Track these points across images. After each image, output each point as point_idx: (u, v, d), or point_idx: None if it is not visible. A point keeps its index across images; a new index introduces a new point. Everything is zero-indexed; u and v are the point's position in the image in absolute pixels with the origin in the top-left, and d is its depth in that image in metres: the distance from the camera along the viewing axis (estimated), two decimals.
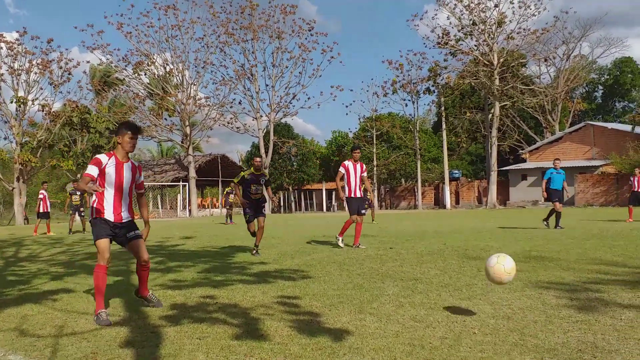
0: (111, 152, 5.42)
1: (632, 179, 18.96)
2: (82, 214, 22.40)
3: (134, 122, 5.57)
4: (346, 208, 11.86)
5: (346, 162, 11.27)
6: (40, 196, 21.75)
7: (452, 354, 3.80)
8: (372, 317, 4.90)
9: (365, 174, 11.24)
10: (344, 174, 11.14)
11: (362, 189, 11.19)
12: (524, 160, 48.27)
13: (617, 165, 40.16)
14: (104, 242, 5.23)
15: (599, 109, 66.50)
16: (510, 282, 5.09)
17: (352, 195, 11.08)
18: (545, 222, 15.54)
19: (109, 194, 5.30)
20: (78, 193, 21.57)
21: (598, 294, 5.69)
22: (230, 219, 26.47)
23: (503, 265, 4.94)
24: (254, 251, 10.36)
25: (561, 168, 15.71)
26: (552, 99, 51.31)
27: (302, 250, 10.99)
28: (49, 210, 21.78)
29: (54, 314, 5.44)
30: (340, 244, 11.17)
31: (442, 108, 50.35)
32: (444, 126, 50.27)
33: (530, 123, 54.37)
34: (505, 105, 47.78)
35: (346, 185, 11.16)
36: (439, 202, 52.06)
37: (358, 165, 11.18)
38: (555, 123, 52.36)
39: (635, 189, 18.77)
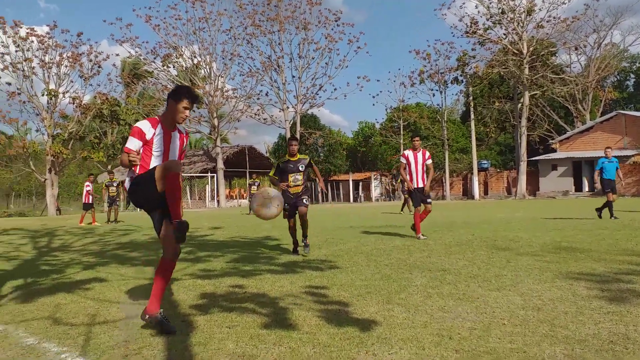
0: (155, 117, 4.66)
1: None
2: (118, 204, 23.02)
3: (194, 89, 4.78)
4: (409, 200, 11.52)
5: (406, 152, 10.88)
6: (87, 188, 22.48)
7: (481, 344, 3.78)
8: (400, 308, 4.90)
9: (429, 161, 10.82)
10: (405, 165, 10.78)
11: (425, 178, 10.79)
12: (554, 150, 47.53)
13: None
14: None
15: (631, 98, 65.02)
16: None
17: (416, 185, 10.73)
18: (599, 212, 15.21)
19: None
20: (115, 184, 22.12)
21: (630, 285, 5.59)
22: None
23: None
24: (296, 248, 9.05)
25: (612, 157, 15.22)
26: (583, 88, 50.36)
27: (329, 240, 11.02)
28: (92, 202, 22.40)
29: (86, 303, 5.55)
30: (422, 237, 10.57)
31: (470, 98, 49.80)
32: (472, 116, 49.74)
33: (560, 112, 53.48)
34: (535, 94, 47.09)
35: (407, 176, 10.80)
36: (467, 193, 51.63)
37: (419, 154, 10.75)
38: (586, 112, 51.40)
39: None
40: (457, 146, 57.17)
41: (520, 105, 45.66)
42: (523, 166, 44.53)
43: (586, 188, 43.40)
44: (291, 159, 8.71)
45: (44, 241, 13.65)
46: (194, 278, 6.89)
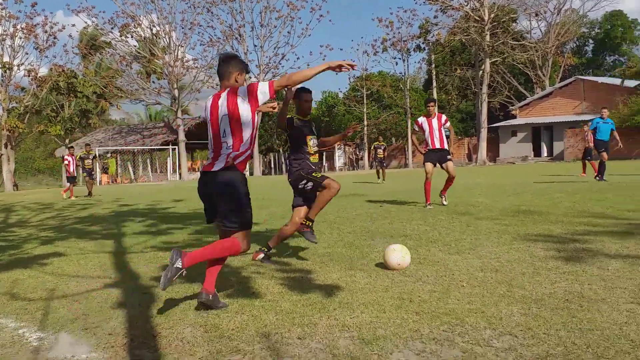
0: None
1: (586, 133, 17.98)
2: (93, 177, 22.79)
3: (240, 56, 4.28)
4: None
5: (419, 119, 10.48)
6: (65, 162, 22.27)
7: (441, 306, 3.84)
8: (362, 273, 4.94)
9: (448, 124, 10.31)
10: (417, 131, 10.61)
11: (444, 141, 10.28)
12: (513, 117, 48.25)
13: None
14: None
15: (590, 64, 66.22)
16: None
17: (431, 147, 10.27)
18: (598, 177, 14.93)
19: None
20: (91, 157, 21.84)
21: (585, 245, 5.74)
22: None
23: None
24: (305, 231, 5.60)
25: (607, 118, 15.02)
26: (543, 54, 51.01)
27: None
28: (74, 174, 22.09)
29: (44, 278, 5.45)
30: (429, 207, 10.13)
31: (433, 66, 50.00)
32: (434, 84, 50.02)
33: (520, 79, 54.15)
34: (496, 61, 47.51)
35: (420, 144, 10.54)
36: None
37: (434, 120, 10.23)
38: (546, 78, 52.16)
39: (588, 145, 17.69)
40: (419, 114, 57.48)
41: (481, 72, 46.04)
42: (483, 133, 45.10)
43: (545, 153, 44.28)
44: (304, 118, 6.08)
45: (1, 217, 13.32)
46: (156, 250, 6.82)
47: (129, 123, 61.37)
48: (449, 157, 10.18)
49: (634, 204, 9.18)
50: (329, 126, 61.59)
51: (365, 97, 53.77)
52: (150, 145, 46.66)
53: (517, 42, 47.72)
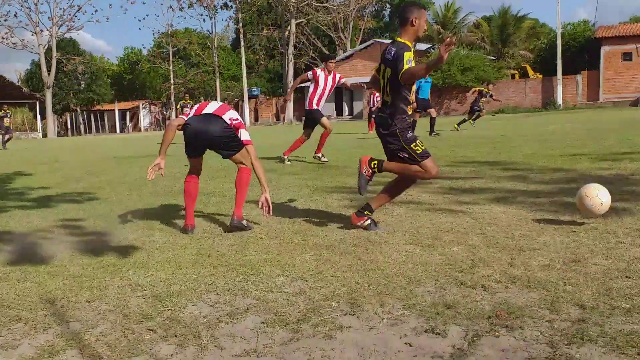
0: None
1: (370, 97, 18.99)
2: (11, 134, 24.53)
3: None
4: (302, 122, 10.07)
5: (318, 70, 9.71)
6: None
7: (239, 258, 3.90)
8: (162, 233, 4.83)
9: (344, 80, 9.76)
10: (308, 80, 9.76)
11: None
12: None
13: None
14: None
15: (387, 27, 70.45)
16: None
17: (314, 107, 9.64)
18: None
19: None
20: (8, 115, 23.81)
21: (374, 195, 6.17)
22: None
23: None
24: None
25: (428, 77, 15.54)
26: (344, 17, 53.16)
27: (90, 172, 10.36)
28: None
29: None
30: (287, 162, 9.86)
31: (240, 24, 49.63)
32: (242, 43, 49.79)
33: (324, 41, 55.99)
34: (301, 22, 48.54)
35: (309, 97, 9.70)
36: None
37: (330, 77, 9.56)
38: (347, 41, 54.57)
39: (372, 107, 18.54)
40: (228, 74, 57.04)
41: (287, 33, 46.81)
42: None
43: (346, 112, 46.68)
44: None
45: None
46: None
47: None
48: (330, 116, 10.10)
49: None
50: (131, 84, 58.69)
51: (171, 55, 51.96)
52: None
53: (320, 4, 49.12)
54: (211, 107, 4.84)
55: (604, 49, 37.27)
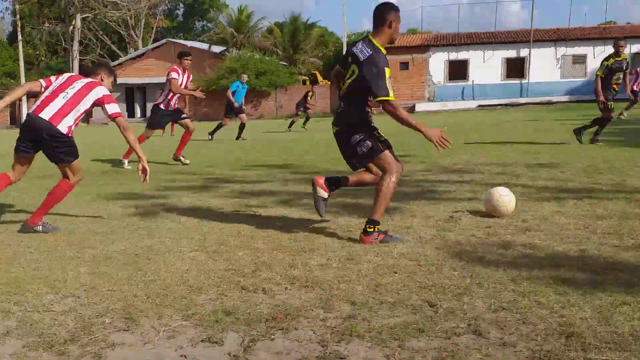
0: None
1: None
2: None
3: None
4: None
5: (178, 69, 9.33)
6: None
7: (2, 276, 3.50)
8: None
9: (189, 83, 9.64)
10: (179, 80, 9.24)
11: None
12: None
13: (196, 82, 42.83)
14: None
15: (181, 27, 69.26)
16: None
17: (168, 108, 9.44)
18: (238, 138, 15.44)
19: None
20: None
21: (164, 201, 6.00)
22: None
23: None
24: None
25: (245, 84, 15.92)
26: (135, 14, 51.11)
27: None
28: None
29: None
30: (126, 166, 9.18)
31: (18, 17, 45.08)
32: (20, 37, 45.28)
33: (113, 38, 53.35)
34: (87, 17, 45.63)
35: (165, 97, 9.41)
36: (16, 121, 47.50)
37: (185, 76, 9.42)
38: (139, 39, 52.55)
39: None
40: (3, 70, 51.55)
41: (72, 27, 43.66)
42: None
43: (139, 114, 44.92)
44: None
45: None
46: None
47: None
48: (184, 116, 9.83)
49: (210, 161, 10.04)
50: None
51: None
52: None
53: (109, 0, 46.65)
54: None
55: None
